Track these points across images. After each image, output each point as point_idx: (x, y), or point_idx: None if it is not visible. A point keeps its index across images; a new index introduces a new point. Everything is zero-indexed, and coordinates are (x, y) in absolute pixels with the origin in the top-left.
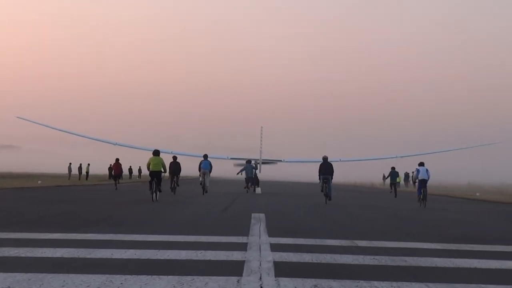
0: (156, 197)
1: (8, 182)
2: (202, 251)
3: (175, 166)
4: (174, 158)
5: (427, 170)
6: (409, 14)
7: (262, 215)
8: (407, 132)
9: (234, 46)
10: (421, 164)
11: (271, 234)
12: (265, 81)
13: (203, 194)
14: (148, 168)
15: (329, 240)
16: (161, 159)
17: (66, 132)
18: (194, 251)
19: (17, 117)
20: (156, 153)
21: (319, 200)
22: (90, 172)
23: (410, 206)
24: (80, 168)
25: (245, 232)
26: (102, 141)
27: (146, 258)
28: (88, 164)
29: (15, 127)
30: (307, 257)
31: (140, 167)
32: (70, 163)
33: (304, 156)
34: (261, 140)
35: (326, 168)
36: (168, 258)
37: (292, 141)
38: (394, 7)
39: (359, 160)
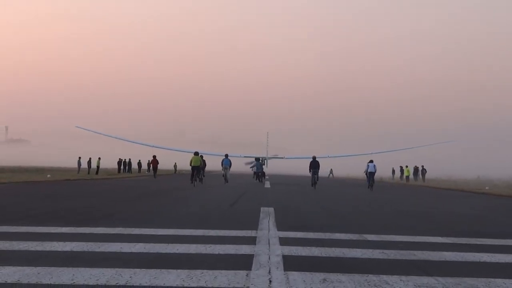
0: (195, 184)
1: (17, 176)
2: (211, 245)
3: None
4: (201, 156)
5: (374, 165)
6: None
7: (271, 209)
8: (396, 129)
9: (241, 45)
10: (371, 161)
11: (280, 228)
12: (270, 80)
13: (225, 183)
14: (190, 164)
15: (338, 234)
16: (200, 158)
17: (118, 138)
18: (203, 245)
19: (76, 127)
20: (196, 153)
21: (323, 193)
22: (100, 166)
23: (417, 200)
24: (89, 162)
25: (254, 226)
26: (141, 144)
27: (155, 252)
28: (99, 158)
29: (25, 120)
30: (316, 251)
31: (149, 161)
32: (80, 157)
33: (301, 153)
34: (267, 142)
35: (315, 164)
36: (177, 252)
37: (293, 138)
38: (390, 7)
39: (343, 156)
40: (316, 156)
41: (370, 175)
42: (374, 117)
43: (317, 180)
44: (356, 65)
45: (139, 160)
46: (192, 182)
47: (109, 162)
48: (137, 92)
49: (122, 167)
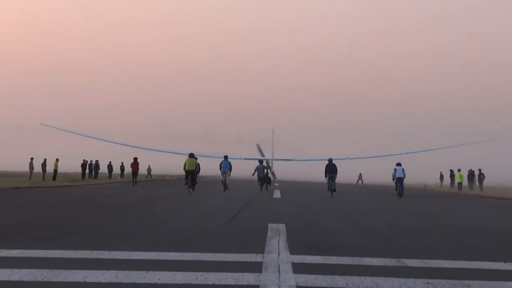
0: (191, 191)
1: None
2: (204, 273)
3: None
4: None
5: (403, 169)
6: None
7: (281, 226)
8: (418, 128)
9: (240, 19)
10: (398, 164)
11: (293, 250)
12: (276, 65)
13: (224, 191)
14: (184, 168)
15: (368, 259)
16: (195, 160)
17: (90, 137)
18: (193, 273)
19: (40, 124)
20: (191, 155)
21: (345, 204)
22: (59, 170)
23: (473, 213)
24: (44, 164)
25: (260, 247)
26: (120, 144)
27: (131, 282)
28: (57, 160)
29: None
30: (340, 281)
31: (122, 163)
32: (32, 158)
33: (317, 154)
34: (272, 141)
35: (331, 168)
36: (160, 282)
37: (305, 135)
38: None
39: (366, 158)
40: (333, 158)
41: (399, 180)
42: (404, 111)
43: (335, 187)
44: (381, 51)
45: (110, 162)
46: (188, 189)
47: (72, 165)
48: (112, 80)
49: (87, 171)
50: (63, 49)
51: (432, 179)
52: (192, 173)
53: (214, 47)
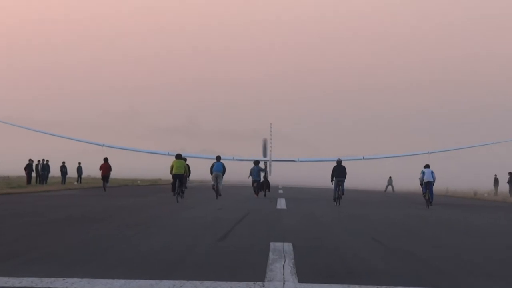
0: (179, 199)
1: None
2: None
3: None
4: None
5: (432, 172)
6: None
7: (287, 246)
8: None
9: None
10: (427, 166)
11: (303, 277)
12: (278, 43)
13: (216, 198)
14: (171, 172)
15: None
16: (184, 162)
17: (45, 133)
18: None
19: None
20: (179, 156)
21: (366, 215)
22: None
23: None
24: None
25: (259, 273)
26: (89, 143)
27: None
28: None
29: None
30: None
31: (80, 164)
32: None
33: (326, 154)
34: (270, 138)
35: (339, 171)
36: None
37: (314, 131)
38: None
39: (386, 158)
40: (346, 159)
41: (428, 185)
42: (432, 102)
43: (343, 192)
44: (407, 29)
45: (63, 163)
46: (174, 195)
47: (14, 167)
48: (68, 62)
49: (34, 174)
50: (10, 24)
51: (485, 185)
52: (180, 178)
53: (197, 21)
